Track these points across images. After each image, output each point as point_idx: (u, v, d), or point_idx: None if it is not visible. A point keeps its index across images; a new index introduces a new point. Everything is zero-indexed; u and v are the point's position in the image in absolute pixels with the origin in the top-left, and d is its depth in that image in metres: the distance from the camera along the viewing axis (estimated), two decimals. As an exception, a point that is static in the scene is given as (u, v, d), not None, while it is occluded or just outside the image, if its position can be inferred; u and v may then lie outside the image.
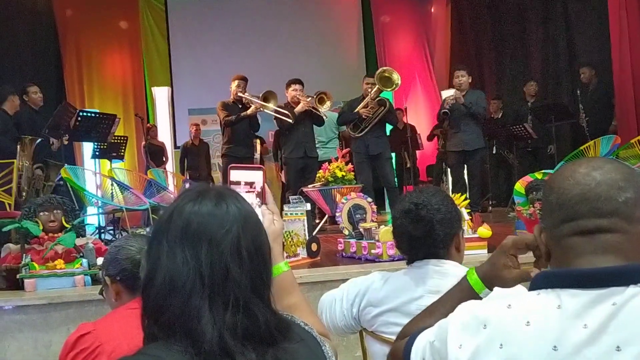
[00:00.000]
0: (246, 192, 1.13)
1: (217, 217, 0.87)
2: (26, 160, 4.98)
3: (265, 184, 1.17)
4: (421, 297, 1.48)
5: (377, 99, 5.89)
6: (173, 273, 0.84)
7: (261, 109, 6.00)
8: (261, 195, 1.16)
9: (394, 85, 5.81)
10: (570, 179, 0.90)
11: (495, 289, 1.03)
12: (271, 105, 6.01)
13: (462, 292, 1.18)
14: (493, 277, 1.13)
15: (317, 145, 6.40)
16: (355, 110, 5.91)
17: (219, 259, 0.85)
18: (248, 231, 0.89)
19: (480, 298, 1.13)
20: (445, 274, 1.51)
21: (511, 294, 0.95)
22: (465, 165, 6.13)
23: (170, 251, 0.85)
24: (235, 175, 1.17)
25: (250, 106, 6.01)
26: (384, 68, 6.07)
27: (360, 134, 5.89)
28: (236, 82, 6.15)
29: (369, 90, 5.93)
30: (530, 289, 0.92)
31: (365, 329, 1.58)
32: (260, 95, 6.10)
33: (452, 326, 0.95)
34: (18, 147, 5.01)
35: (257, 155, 6.52)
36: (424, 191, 1.58)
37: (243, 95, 6.07)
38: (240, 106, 6.10)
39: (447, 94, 7.03)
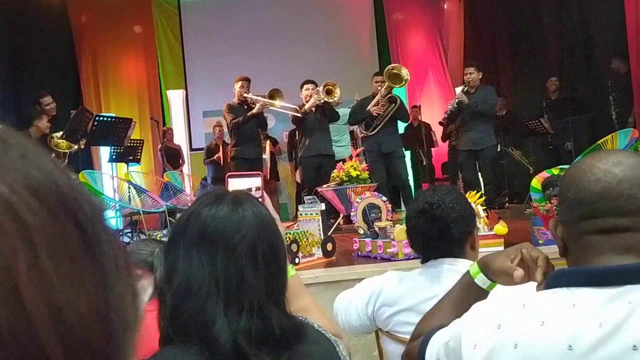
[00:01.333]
0: (257, 197, 1.14)
1: (234, 222, 0.88)
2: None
3: (264, 191, 1.18)
4: (436, 296, 1.47)
5: (388, 96, 5.87)
6: (189, 276, 0.85)
7: (267, 106, 5.99)
8: (262, 194, 1.17)
9: (404, 81, 5.80)
10: (590, 175, 0.88)
11: (506, 288, 1.03)
12: (277, 102, 6.01)
13: (461, 283, 1.19)
14: (488, 260, 1.12)
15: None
16: (367, 109, 5.90)
17: (235, 264, 0.86)
18: (264, 236, 0.89)
19: (479, 287, 1.13)
20: (459, 272, 1.50)
21: (526, 293, 0.95)
22: (477, 164, 6.11)
23: (186, 255, 0.86)
24: (233, 183, 1.18)
25: (256, 106, 6.01)
26: (393, 65, 6.05)
27: (372, 132, 5.88)
28: (239, 83, 6.12)
29: (379, 88, 5.92)
30: (546, 287, 0.91)
31: (381, 328, 1.58)
32: (267, 94, 6.10)
33: (467, 327, 0.95)
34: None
35: (265, 156, 6.48)
36: (438, 190, 1.58)
37: (248, 95, 6.06)
38: (245, 107, 6.08)
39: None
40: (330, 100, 5.90)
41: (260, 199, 1.18)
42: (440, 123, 7.60)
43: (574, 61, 8.05)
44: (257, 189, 1.18)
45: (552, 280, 0.90)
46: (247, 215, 0.89)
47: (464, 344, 0.92)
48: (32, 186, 0.29)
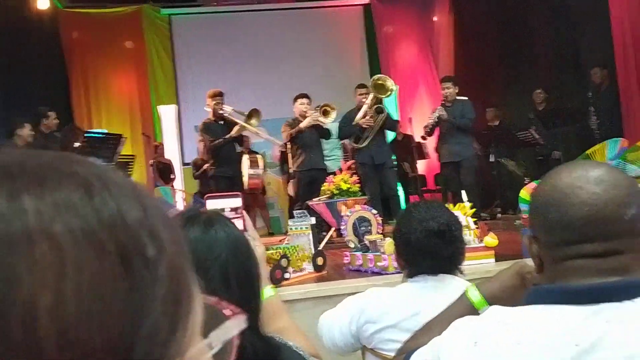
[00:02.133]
0: (232, 218, 1.14)
1: (205, 243, 0.87)
2: None
3: (244, 211, 1.17)
4: (419, 313, 1.47)
5: (375, 106, 5.89)
6: None
7: (244, 129, 5.95)
8: (242, 214, 1.16)
9: (389, 92, 5.84)
10: (574, 197, 0.85)
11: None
12: (254, 122, 6.00)
13: (462, 309, 1.17)
14: (501, 297, 1.09)
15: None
16: (355, 122, 5.91)
17: (207, 287, 0.84)
18: (237, 258, 0.88)
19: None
20: (443, 288, 1.49)
21: (504, 311, 0.94)
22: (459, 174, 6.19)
23: None
24: (212, 204, 1.17)
25: (233, 124, 5.96)
26: (378, 75, 6.10)
27: (363, 145, 5.89)
28: (214, 99, 6.05)
29: (364, 100, 5.94)
30: (524, 304, 0.90)
31: (365, 346, 1.57)
32: (240, 112, 6.08)
33: (445, 343, 0.94)
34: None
35: (260, 170, 6.46)
36: (438, 207, 1.56)
37: (224, 112, 6.01)
38: (222, 123, 6.03)
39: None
40: (325, 121, 5.94)
41: (240, 218, 1.17)
42: (422, 138, 7.71)
43: (562, 72, 8.13)
44: (235, 209, 1.17)
45: (530, 297, 0.90)
46: (219, 237, 0.88)
47: None
48: (88, 227, 0.30)
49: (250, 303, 0.88)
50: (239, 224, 1.14)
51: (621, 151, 5.52)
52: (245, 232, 1.16)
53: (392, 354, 1.34)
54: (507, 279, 1.12)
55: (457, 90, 6.19)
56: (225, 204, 1.19)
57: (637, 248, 0.85)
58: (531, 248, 0.94)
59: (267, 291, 1.13)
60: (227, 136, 5.92)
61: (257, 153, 6.92)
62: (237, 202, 1.19)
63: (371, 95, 5.81)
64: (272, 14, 10.19)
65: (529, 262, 1.06)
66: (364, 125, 5.84)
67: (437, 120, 6.12)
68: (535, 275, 1.06)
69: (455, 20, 9.92)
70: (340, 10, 10.68)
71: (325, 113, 6.02)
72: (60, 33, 9.10)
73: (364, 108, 5.91)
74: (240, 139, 6.15)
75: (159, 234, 0.33)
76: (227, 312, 0.41)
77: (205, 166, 7.98)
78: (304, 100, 6.02)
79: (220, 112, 6.02)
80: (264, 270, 1.17)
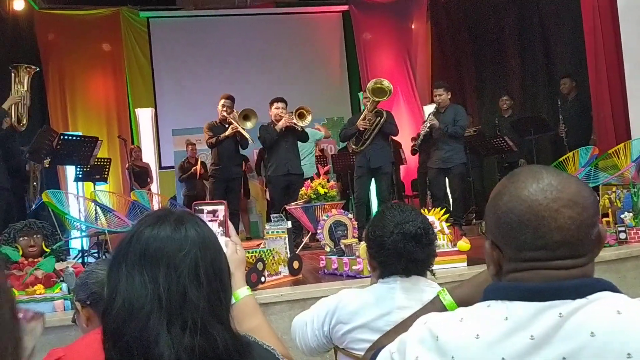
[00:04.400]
0: (209, 220, 1.17)
1: (176, 241, 0.89)
2: (22, 88, 5.04)
3: (228, 219, 1.22)
4: (389, 313, 1.50)
5: (374, 110, 5.95)
6: (132, 296, 0.85)
7: (238, 129, 5.98)
8: (224, 226, 1.21)
9: (388, 92, 5.88)
10: (551, 222, 0.87)
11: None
12: (249, 125, 6.05)
13: (434, 311, 1.19)
14: (472, 301, 1.05)
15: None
16: (355, 125, 5.97)
17: (177, 282, 0.86)
18: (207, 254, 0.90)
19: None
20: (413, 290, 1.53)
21: (465, 309, 0.97)
22: (447, 180, 6.23)
23: (129, 275, 0.87)
24: (198, 211, 1.23)
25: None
26: (374, 80, 6.12)
27: (362, 147, 5.93)
28: (222, 101, 6.14)
29: (367, 104, 6.01)
30: (482, 300, 0.94)
31: (337, 346, 1.60)
32: (239, 113, 6.11)
33: (410, 339, 0.97)
34: (12, 75, 5.13)
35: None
36: (411, 210, 1.59)
37: (227, 116, 6.08)
38: (226, 126, 6.10)
39: (429, 109, 7.16)
40: (299, 124, 5.97)
41: (215, 221, 1.20)
42: (412, 149, 7.76)
43: (534, 80, 8.29)
44: (212, 212, 1.21)
45: (489, 293, 0.93)
46: (189, 235, 0.90)
47: (408, 356, 0.95)
48: None
49: (220, 298, 0.90)
50: (214, 226, 1.17)
51: (592, 159, 5.67)
52: (229, 237, 1.21)
53: (363, 354, 1.37)
54: (478, 284, 1.16)
55: (449, 96, 6.22)
56: (211, 206, 1.24)
57: (593, 258, 0.90)
58: (492, 254, 0.95)
59: (243, 291, 1.16)
60: (221, 135, 5.96)
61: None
62: (220, 209, 1.23)
63: (371, 100, 5.87)
64: (251, 19, 10.21)
65: None
66: (361, 128, 5.89)
67: (428, 129, 6.12)
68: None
69: (432, 29, 10.06)
70: (319, 16, 10.76)
71: (300, 116, 6.06)
72: (36, 34, 8.98)
73: (364, 111, 6.00)
74: (244, 140, 6.11)
75: None
76: (26, 317, 0.44)
77: (194, 168, 7.99)
78: (279, 105, 6.05)
79: (225, 114, 6.04)
80: (242, 272, 1.20)
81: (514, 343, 0.84)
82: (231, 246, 1.20)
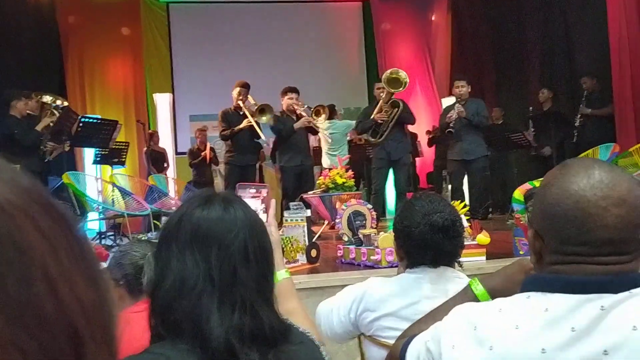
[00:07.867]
0: (251, 196, 1.19)
1: (226, 222, 0.91)
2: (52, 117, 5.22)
3: (271, 201, 1.24)
4: (418, 302, 1.51)
5: (390, 101, 5.90)
6: (183, 275, 0.88)
7: (253, 123, 5.98)
8: (266, 204, 1.23)
9: (403, 84, 5.83)
10: (598, 219, 0.85)
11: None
12: (264, 119, 6.04)
13: (465, 301, 1.20)
14: (504, 292, 1.09)
15: (329, 153, 6.55)
16: (371, 117, 5.93)
17: (228, 262, 0.89)
18: (255, 235, 0.93)
19: None
20: (441, 280, 1.54)
21: (503, 299, 0.98)
22: (467, 173, 6.18)
23: (180, 255, 0.89)
24: (241, 191, 1.24)
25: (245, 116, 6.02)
26: (390, 70, 6.04)
27: (380, 139, 5.90)
28: (237, 89, 6.12)
29: (381, 95, 5.95)
30: (521, 291, 0.94)
31: (363, 333, 1.61)
32: (256, 108, 6.11)
33: (446, 327, 0.98)
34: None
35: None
36: (440, 201, 1.58)
37: (242, 105, 6.07)
38: (241, 113, 6.10)
39: (448, 102, 7.09)
40: (317, 122, 6.00)
41: (258, 198, 1.23)
42: (440, 129, 7.63)
43: (555, 75, 8.20)
44: (265, 194, 1.24)
45: (528, 285, 0.93)
46: (238, 216, 0.92)
47: (443, 345, 0.96)
48: (28, 194, 0.36)
49: (267, 278, 0.92)
50: (256, 203, 1.19)
51: (612, 156, 5.61)
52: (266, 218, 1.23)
53: (391, 341, 1.38)
54: (510, 275, 1.16)
55: (469, 90, 6.16)
56: (256, 187, 1.26)
57: (638, 257, 0.89)
58: (534, 244, 0.95)
59: (282, 273, 1.18)
60: (236, 128, 5.96)
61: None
62: (264, 190, 1.26)
63: (386, 91, 5.83)
64: (271, 6, 10.19)
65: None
66: (378, 120, 5.85)
67: (456, 119, 6.02)
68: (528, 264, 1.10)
69: (453, 20, 9.96)
70: (340, 5, 10.71)
71: (317, 113, 6.14)
72: (56, 17, 9.03)
73: (380, 103, 5.93)
74: (256, 133, 6.12)
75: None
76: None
77: (203, 153, 8.03)
78: (293, 95, 6.02)
79: (240, 103, 6.03)
80: (279, 254, 1.22)
81: (554, 334, 0.85)
82: (267, 228, 1.21)
